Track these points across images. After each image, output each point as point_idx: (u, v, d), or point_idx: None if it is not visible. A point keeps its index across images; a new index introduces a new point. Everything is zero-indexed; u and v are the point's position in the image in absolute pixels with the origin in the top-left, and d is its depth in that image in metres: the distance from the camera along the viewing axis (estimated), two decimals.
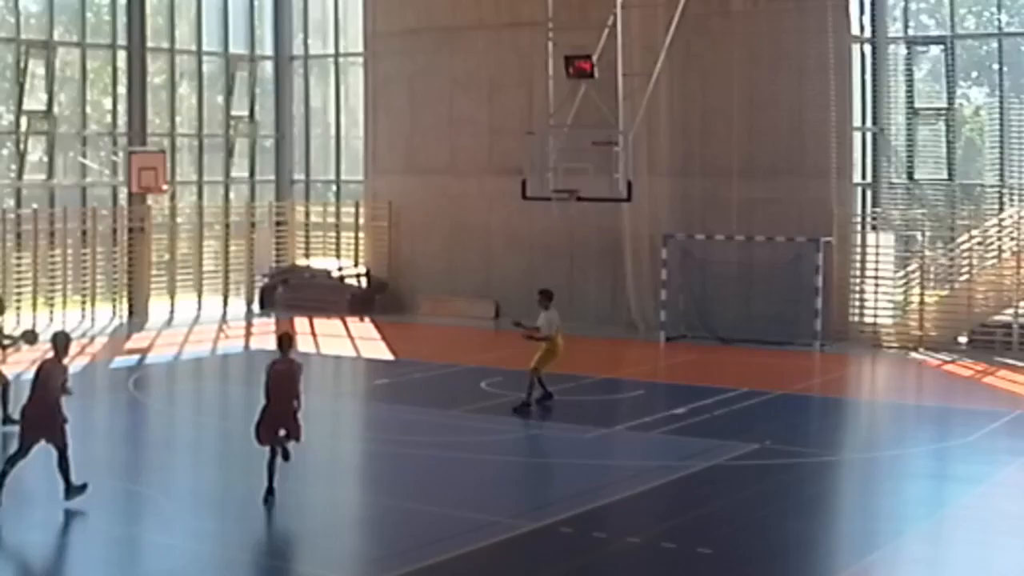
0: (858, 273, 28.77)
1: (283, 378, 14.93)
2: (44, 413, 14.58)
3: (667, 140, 29.82)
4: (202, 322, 31.82)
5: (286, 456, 14.92)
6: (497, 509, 15.25)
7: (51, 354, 14.90)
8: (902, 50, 29.32)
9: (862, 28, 29.27)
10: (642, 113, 25.73)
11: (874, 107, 29.34)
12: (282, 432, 14.82)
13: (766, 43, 28.99)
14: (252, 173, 35.90)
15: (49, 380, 14.64)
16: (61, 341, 14.96)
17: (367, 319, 31.66)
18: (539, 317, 20.55)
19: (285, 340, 15.49)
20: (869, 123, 29.45)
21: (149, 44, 32.79)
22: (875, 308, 28.69)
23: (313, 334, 29.67)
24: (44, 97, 30.89)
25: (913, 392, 24.94)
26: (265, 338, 29.30)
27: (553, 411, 20.87)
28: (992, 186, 28.51)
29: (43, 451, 14.63)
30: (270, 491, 14.72)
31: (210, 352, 27.46)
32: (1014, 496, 16.18)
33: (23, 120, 30.57)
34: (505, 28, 31.81)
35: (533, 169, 25.57)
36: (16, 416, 16.93)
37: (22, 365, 19.80)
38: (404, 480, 16.75)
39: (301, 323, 31.04)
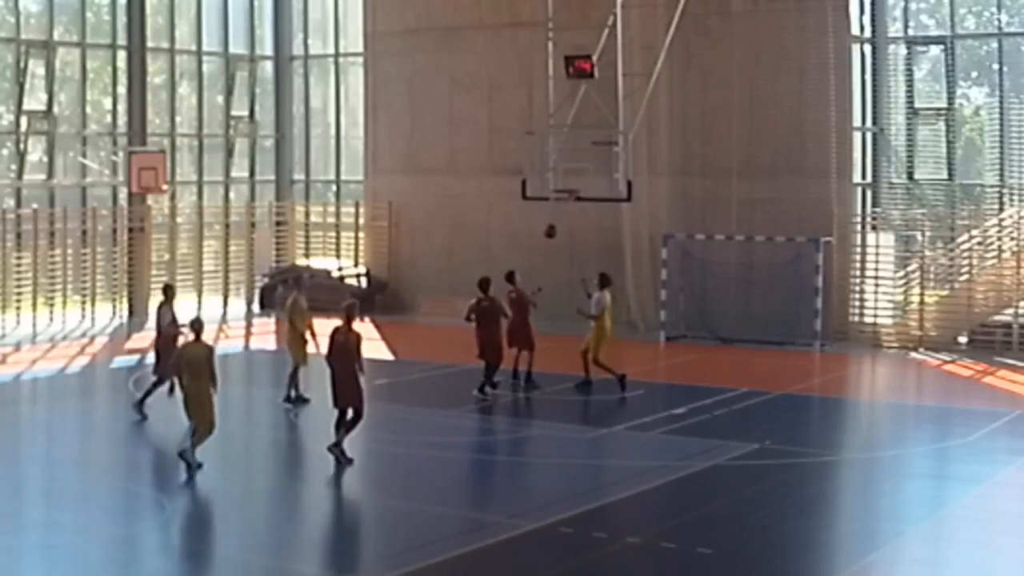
0: (858, 273, 28.77)
1: None
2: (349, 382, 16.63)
3: (667, 140, 29.82)
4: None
5: None
6: (497, 509, 15.25)
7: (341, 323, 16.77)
8: (902, 50, 29.32)
9: (862, 28, 29.28)
10: (642, 113, 25.71)
11: (874, 107, 29.34)
12: None
13: (766, 43, 28.99)
14: (252, 173, 35.91)
15: (347, 351, 16.57)
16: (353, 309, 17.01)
17: (367, 319, 31.63)
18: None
19: None
20: (869, 123, 29.44)
21: (149, 44, 32.79)
22: (875, 308, 28.70)
23: (313, 334, 29.56)
24: (44, 97, 30.90)
25: (913, 392, 24.92)
26: (265, 338, 29.36)
27: (553, 411, 20.88)
28: (992, 186, 28.51)
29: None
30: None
31: None
32: (1014, 496, 16.18)
33: (23, 120, 30.58)
34: (505, 28, 31.81)
35: (533, 169, 25.54)
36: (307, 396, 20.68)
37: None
38: (404, 480, 16.74)
39: None
